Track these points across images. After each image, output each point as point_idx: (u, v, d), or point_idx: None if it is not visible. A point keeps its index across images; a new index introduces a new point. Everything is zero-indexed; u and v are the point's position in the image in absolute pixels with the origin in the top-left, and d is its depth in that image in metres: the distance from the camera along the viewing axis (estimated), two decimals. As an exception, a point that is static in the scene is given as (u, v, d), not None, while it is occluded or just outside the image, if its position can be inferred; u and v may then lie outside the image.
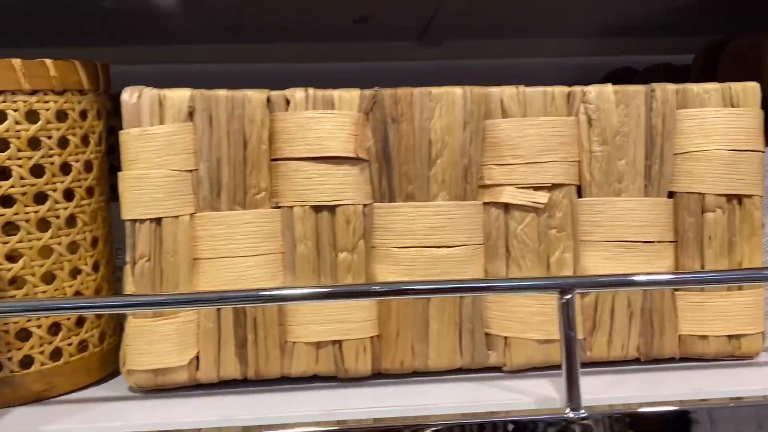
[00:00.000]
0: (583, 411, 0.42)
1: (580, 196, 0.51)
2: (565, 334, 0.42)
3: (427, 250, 0.49)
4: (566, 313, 0.43)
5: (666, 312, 0.52)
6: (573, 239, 0.51)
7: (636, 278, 0.45)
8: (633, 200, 0.51)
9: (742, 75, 0.62)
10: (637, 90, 0.51)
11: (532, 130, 0.50)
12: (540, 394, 0.47)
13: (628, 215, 0.51)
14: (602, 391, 0.47)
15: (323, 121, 0.48)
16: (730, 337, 0.52)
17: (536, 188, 0.50)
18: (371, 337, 0.50)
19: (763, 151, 0.52)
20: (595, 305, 0.51)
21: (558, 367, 0.51)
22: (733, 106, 0.51)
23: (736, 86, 0.52)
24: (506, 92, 0.50)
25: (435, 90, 0.49)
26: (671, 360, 0.53)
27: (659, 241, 0.51)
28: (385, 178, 0.49)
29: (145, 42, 0.78)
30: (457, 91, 0.50)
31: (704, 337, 0.52)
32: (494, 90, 0.50)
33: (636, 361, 0.52)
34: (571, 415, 0.42)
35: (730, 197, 0.51)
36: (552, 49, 0.83)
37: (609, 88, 0.51)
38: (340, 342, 0.49)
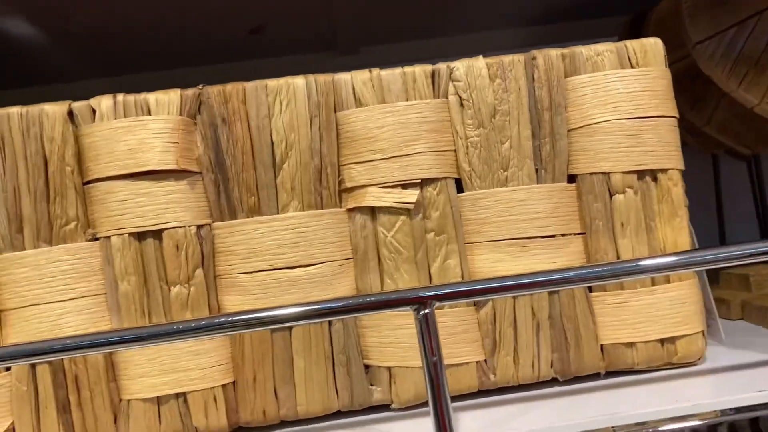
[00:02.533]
0: (451, 456, 0.32)
1: (460, 190, 0.42)
2: (426, 361, 0.32)
3: (281, 272, 0.39)
4: (426, 332, 0.33)
5: (581, 318, 0.42)
6: (456, 242, 0.41)
7: (521, 280, 0.35)
8: (523, 189, 0.41)
9: (667, 42, 0.54)
10: (515, 59, 0.42)
11: (391, 118, 0.40)
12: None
13: (519, 207, 0.41)
14: (507, 422, 0.37)
15: (135, 130, 0.38)
16: (662, 341, 0.41)
17: (405, 186, 0.40)
18: (223, 386, 0.39)
19: (675, 116, 0.43)
20: (493, 318, 0.41)
21: (463, 397, 0.41)
22: (632, 67, 0.42)
23: (633, 44, 0.42)
24: (358, 78, 0.41)
25: (272, 82, 0.40)
26: (596, 377, 0.42)
27: (563, 234, 0.41)
28: (223, 192, 0.40)
29: (21, 84, 0.70)
30: (299, 81, 0.40)
31: (631, 344, 0.41)
32: (343, 76, 0.41)
33: (554, 381, 0.42)
34: (437, 463, 0.32)
35: (641, 174, 0.41)
36: (480, 45, 0.75)
37: (480, 61, 0.42)
38: (184, 395, 0.39)
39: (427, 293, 0.33)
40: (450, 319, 0.40)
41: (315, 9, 0.65)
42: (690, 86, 0.55)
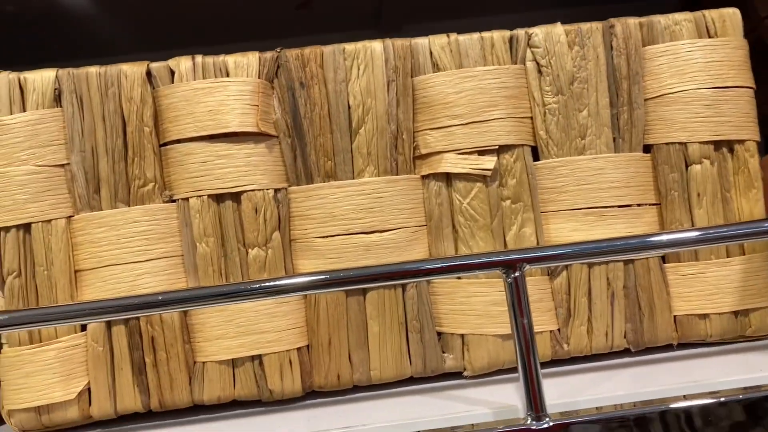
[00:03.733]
0: (547, 419, 0.32)
1: (536, 158, 0.41)
2: (516, 323, 0.32)
3: (356, 237, 0.39)
4: (516, 295, 0.32)
5: (656, 289, 0.41)
6: (532, 210, 0.40)
7: (608, 244, 0.35)
8: (601, 158, 0.40)
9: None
10: (593, 27, 0.41)
11: (469, 83, 0.40)
12: (505, 403, 0.36)
13: (596, 176, 0.40)
14: (581, 392, 0.37)
15: (215, 92, 0.38)
16: (736, 313, 0.41)
17: (481, 152, 0.39)
18: (298, 349, 0.39)
19: (752, 87, 0.42)
20: (567, 288, 0.40)
21: (532, 367, 0.41)
22: (710, 37, 0.41)
23: (711, 14, 0.41)
24: (435, 42, 0.40)
25: (349, 45, 0.40)
26: (668, 348, 0.41)
27: (638, 204, 0.40)
28: (299, 156, 0.39)
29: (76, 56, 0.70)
30: (376, 45, 0.40)
31: (705, 316, 0.40)
32: (420, 41, 0.40)
33: (626, 352, 0.42)
34: (532, 425, 0.31)
35: (718, 144, 0.41)
36: (525, 24, 0.74)
37: (559, 27, 0.41)
38: (260, 357, 0.39)
39: (517, 255, 0.32)
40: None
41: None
42: (753, 64, 0.54)
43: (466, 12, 0.74)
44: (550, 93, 0.40)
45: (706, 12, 0.41)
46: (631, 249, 0.34)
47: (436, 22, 0.77)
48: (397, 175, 0.39)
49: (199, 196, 0.37)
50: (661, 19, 0.40)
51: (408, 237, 0.39)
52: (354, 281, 0.33)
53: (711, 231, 0.34)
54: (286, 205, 0.38)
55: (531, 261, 0.32)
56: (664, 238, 0.34)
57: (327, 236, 0.38)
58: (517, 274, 0.32)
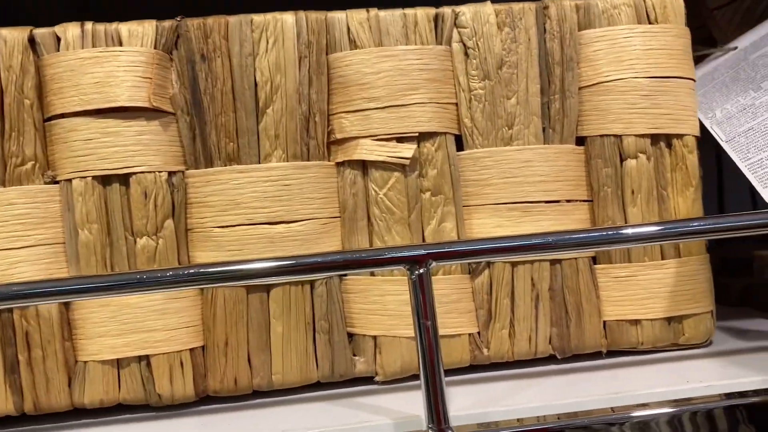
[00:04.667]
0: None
1: (460, 148, 0.38)
2: (419, 326, 0.28)
3: (260, 227, 0.35)
4: (419, 294, 0.29)
5: (584, 292, 0.38)
6: (454, 203, 0.37)
7: (527, 241, 0.31)
8: (529, 149, 0.37)
9: None
10: (525, 7, 0.37)
11: (388, 63, 0.36)
12: (411, 413, 0.33)
13: (523, 169, 0.37)
14: (500, 401, 0.33)
15: (103, 62, 0.34)
16: (669, 320, 0.38)
17: (400, 139, 0.36)
18: (191, 350, 0.35)
19: (693, 78, 0.39)
20: (489, 288, 0.37)
21: (453, 372, 0.37)
22: (650, 23, 0.38)
23: (652, -1, 0.39)
24: (354, 17, 0.36)
25: (258, 16, 0.36)
26: (597, 356, 0.38)
27: (568, 200, 0.37)
28: (198, 136, 0.35)
29: None
30: (288, 17, 0.36)
31: (636, 321, 0.37)
32: (337, 14, 0.36)
33: (551, 359, 0.39)
34: (428, 439, 0.28)
35: (655, 138, 0.37)
36: None
37: (488, 6, 0.37)
38: (147, 358, 0.35)
39: (424, 251, 0.29)
40: (442, 287, 0.36)
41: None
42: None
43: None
44: (476, 77, 0.36)
45: (647, -4, 0.38)
46: (551, 246, 0.31)
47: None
48: (308, 161, 0.35)
49: (83, 177, 0.33)
50: (598, 2, 0.37)
51: (318, 229, 0.35)
52: (245, 276, 0.29)
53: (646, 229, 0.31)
54: (182, 191, 0.35)
55: (438, 257, 0.29)
56: (589, 235, 0.31)
57: (227, 226, 0.35)
58: (422, 270, 0.29)
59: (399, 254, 0.29)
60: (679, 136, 0.37)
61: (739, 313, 0.49)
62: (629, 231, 0.31)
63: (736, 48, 0.40)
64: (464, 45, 0.36)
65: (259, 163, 0.35)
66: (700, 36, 0.50)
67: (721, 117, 0.37)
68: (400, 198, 0.35)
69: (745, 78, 0.38)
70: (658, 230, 0.31)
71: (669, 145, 0.37)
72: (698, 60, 0.43)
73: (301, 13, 0.35)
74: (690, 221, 0.32)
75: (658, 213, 0.37)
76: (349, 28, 0.36)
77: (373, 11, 0.36)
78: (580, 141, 0.37)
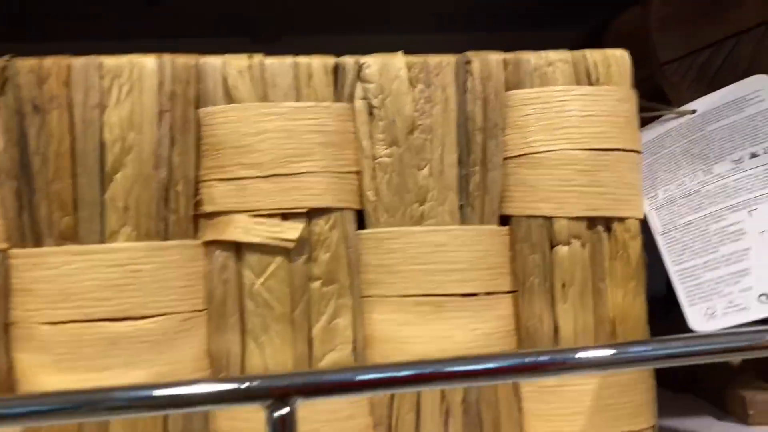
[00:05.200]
0: None
1: (361, 226, 0.32)
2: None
3: (99, 325, 0.28)
4: (281, 441, 0.22)
5: (504, 405, 0.31)
6: (351, 295, 0.30)
7: (436, 368, 0.25)
8: (443, 230, 0.31)
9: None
10: (443, 62, 0.32)
11: (273, 122, 0.29)
12: None
13: (436, 254, 0.31)
14: None
15: None
16: (604, 437, 0.33)
17: (285, 216, 0.30)
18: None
19: (638, 151, 0.34)
20: (390, 400, 0.31)
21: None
22: (591, 84, 0.33)
23: (594, 55, 0.32)
24: (232, 64, 0.30)
25: (110, 60, 0.29)
26: (518, 478, 0.33)
27: (488, 293, 0.31)
28: (26, 206, 0.28)
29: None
30: (148, 61, 0.29)
31: (565, 440, 0.32)
32: (212, 60, 0.29)
33: (465, 482, 0.32)
34: None
35: (592, 222, 0.32)
36: (414, 47, 0.65)
37: (398, 59, 0.31)
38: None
39: (286, 383, 0.22)
40: (330, 400, 0.29)
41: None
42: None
43: (371, 25, 0.64)
44: (382, 143, 0.30)
45: (588, 52, 0.32)
46: (470, 375, 0.24)
47: (321, 35, 0.67)
48: (165, 239, 0.28)
49: None
50: (531, 58, 0.31)
51: (175, 327, 0.28)
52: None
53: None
54: (3, 274, 0.27)
55: (307, 392, 0.22)
56: (513, 362, 0.24)
57: (57, 322, 0.27)
58: (285, 411, 0.22)
59: (250, 386, 0.22)
60: (621, 219, 0.31)
61: (684, 404, 0.44)
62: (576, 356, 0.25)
63: (694, 112, 0.35)
64: (369, 103, 0.30)
65: (102, 242, 0.28)
66: (647, 89, 0.45)
67: (663, 200, 0.32)
68: (282, 288, 0.29)
69: (697, 154, 0.33)
70: (612, 355, 0.25)
71: (608, 230, 0.31)
72: (648, 121, 0.37)
73: (166, 57, 0.29)
74: (663, 344, 0.26)
75: (593, 310, 0.31)
76: (225, 78, 0.29)
77: (258, 57, 0.29)
78: (505, 221, 0.31)
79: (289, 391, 0.22)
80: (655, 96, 0.43)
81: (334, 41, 0.67)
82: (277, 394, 0.22)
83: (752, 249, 0.27)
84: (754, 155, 0.30)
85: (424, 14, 0.63)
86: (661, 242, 0.30)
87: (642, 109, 0.33)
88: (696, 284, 0.28)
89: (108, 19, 0.59)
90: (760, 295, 0.26)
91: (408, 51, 0.30)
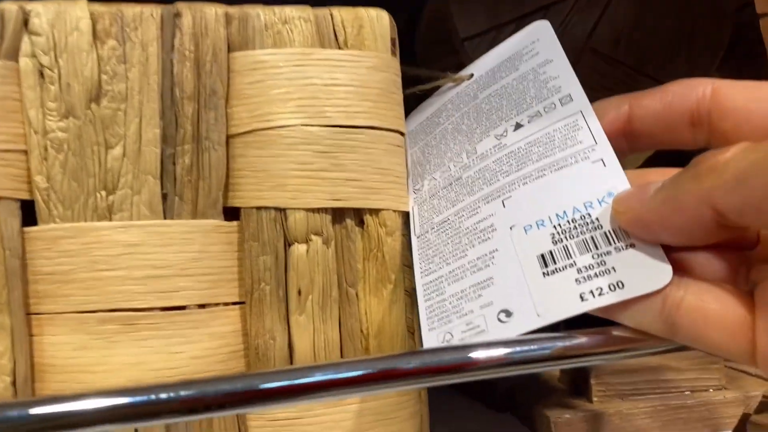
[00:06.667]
0: None
1: (30, 222, 0.25)
2: None
3: None
4: None
5: (224, 445, 0.26)
6: (9, 312, 0.22)
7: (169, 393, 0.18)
8: (138, 227, 0.24)
9: (439, 44, 0.41)
10: (144, 13, 0.25)
11: None
12: None
13: (129, 257, 0.24)
14: None
15: None
16: (354, 480, 0.27)
17: None
18: None
19: (398, 131, 0.28)
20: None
21: None
22: (339, 48, 0.27)
23: (342, 13, 0.27)
24: None
25: None
26: None
27: (201, 305, 0.25)
28: None
29: None
30: None
31: (305, 486, 0.26)
32: None
33: None
34: None
35: (338, 214, 0.26)
36: None
37: (80, 7, 0.25)
38: None
39: None
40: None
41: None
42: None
43: None
44: (55, 114, 0.23)
45: (336, 10, 0.26)
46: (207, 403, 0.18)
47: None
48: None
49: None
50: (260, 13, 0.25)
51: None
52: None
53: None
54: None
55: None
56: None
57: None
58: None
59: None
60: (374, 212, 0.26)
61: (500, 425, 0.39)
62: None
63: (471, 76, 0.30)
64: (39, 62, 0.23)
65: None
66: (450, 64, 0.40)
67: (427, 193, 0.26)
68: None
69: (465, 130, 0.27)
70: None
71: (360, 224, 0.26)
72: (428, 94, 0.32)
73: None
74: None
75: (341, 323, 0.25)
76: None
77: None
78: (232, 214, 0.25)
79: None
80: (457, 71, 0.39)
81: None
82: None
83: (499, 250, 0.22)
84: (518, 126, 0.25)
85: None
86: (414, 248, 0.25)
87: (408, 80, 0.28)
88: (439, 301, 0.22)
89: None
90: (499, 312, 0.21)
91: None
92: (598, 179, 0.22)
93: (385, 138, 0.26)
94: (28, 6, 0.23)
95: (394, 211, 0.26)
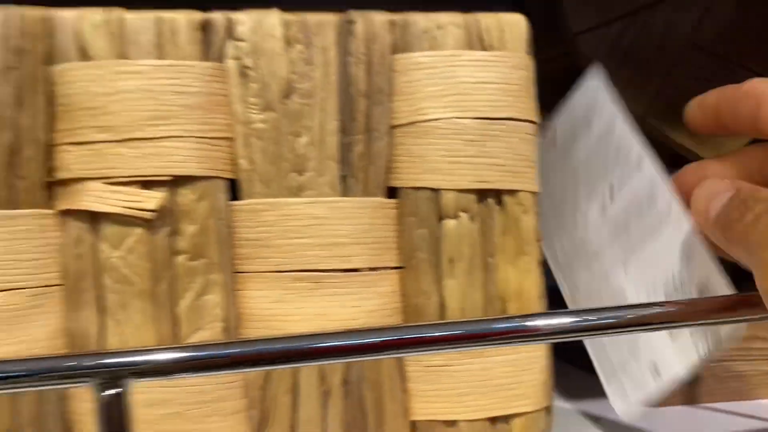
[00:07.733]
0: None
1: (234, 197, 0.29)
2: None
3: (-67, 301, 0.26)
4: (109, 421, 0.20)
5: (388, 386, 0.29)
6: (221, 270, 0.28)
7: (328, 341, 0.23)
8: (323, 202, 0.29)
9: (544, 35, 0.44)
10: (323, 21, 0.29)
11: (130, 82, 0.27)
12: None
13: (315, 227, 0.28)
14: None
15: None
16: (493, 420, 0.30)
17: (145, 184, 0.27)
18: None
19: (533, 121, 0.32)
20: (263, 381, 0.29)
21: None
22: (484, 50, 0.31)
23: (487, 19, 0.31)
24: (87, 18, 0.27)
25: (-55, 10, 0.26)
26: (403, 463, 0.31)
27: (371, 268, 0.29)
28: None
29: None
30: (-10, 12, 0.27)
31: (453, 422, 0.29)
32: (66, 14, 0.27)
33: (347, 467, 0.31)
34: None
35: (482, 194, 0.30)
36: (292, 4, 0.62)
37: (273, 16, 0.29)
38: None
39: (116, 361, 0.20)
40: (196, 381, 0.27)
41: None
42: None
43: None
44: (256, 107, 0.28)
45: (481, 16, 0.30)
46: (374, 348, 0.22)
47: None
48: (15, 208, 0.26)
49: None
50: (419, 20, 0.29)
51: (25, 303, 0.25)
52: None
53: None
54: None
55: (140, 373, 0.20)
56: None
57: None
58: (116, 391, 0.20)
59: (71, 364, 0.19)
60: (512, 192, 0.30)
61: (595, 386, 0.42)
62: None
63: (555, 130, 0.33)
64: (242, 63, 0.28)
65: (-63, 211, 0.25)
66: (563, 65, 0.44)
67: (563, 259, 0.30)
68: (142, 263, 0.26)
69: (571, 189, 0.31)
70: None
71: (499, 203, 0.30)
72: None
73: (14, 9, 0.26)
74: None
75: (483, 287, 0.29)
76: (80, 33, 0.26)
77: (116, 11, 0.26)
78: (392, 193, 0.29)
79: (120, 372, 0.20)
80: (569, 69, 0.42)
81: None
82: (105, 373, 0.20)
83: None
84: (611, 188, 0.29)
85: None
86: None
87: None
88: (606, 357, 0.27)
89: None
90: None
91: (286, 9, 0.28)
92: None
93: (522, 128, 0.30)
94: (233, 16, 0.28)
95: (529, 192, 0.30)
